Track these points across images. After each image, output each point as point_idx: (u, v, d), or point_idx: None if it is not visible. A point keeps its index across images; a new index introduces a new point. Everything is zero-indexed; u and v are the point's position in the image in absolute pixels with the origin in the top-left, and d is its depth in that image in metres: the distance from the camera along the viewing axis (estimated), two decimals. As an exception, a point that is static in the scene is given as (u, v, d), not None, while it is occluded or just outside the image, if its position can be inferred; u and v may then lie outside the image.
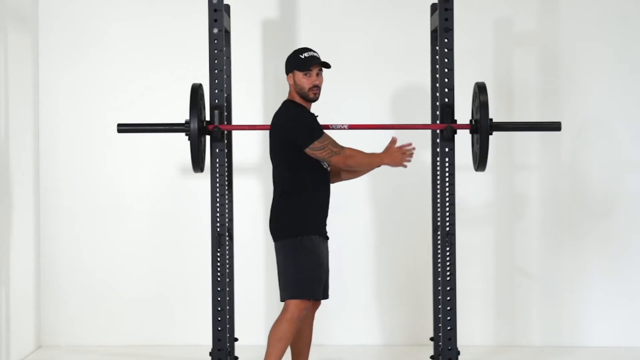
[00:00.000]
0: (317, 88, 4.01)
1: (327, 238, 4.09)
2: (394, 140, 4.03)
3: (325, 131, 4.01)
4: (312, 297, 3.94)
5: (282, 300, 3.99)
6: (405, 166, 4.03)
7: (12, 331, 4.91)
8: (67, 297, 5.38)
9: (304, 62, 3.98)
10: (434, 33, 4.50)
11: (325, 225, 4.06)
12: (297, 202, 3.94)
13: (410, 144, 4.02)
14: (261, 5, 5.35)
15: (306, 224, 3.94)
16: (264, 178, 5.37)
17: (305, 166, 3.94)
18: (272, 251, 5.37)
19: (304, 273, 3.91)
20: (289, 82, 4.02)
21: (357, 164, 3.95)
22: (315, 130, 3.90)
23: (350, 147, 3.95)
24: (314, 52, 4.04)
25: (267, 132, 5.28)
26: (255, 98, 5.36)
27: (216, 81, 4.17)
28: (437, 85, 4.33)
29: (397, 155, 4.00)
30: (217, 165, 4.18)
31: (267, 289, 5.37)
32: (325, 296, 4.10)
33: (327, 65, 4.03)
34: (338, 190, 5.33)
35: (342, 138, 5.26)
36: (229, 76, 4.44)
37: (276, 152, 4.00)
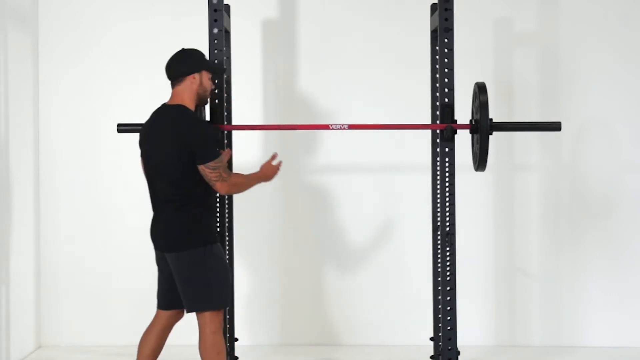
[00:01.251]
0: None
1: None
2: (274, 156, 4.01)
3: (326, 131, 4.01)
4: (226, 306, 3.86)
5: (189, 312, 3.84)
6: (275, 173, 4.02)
7: (12, 331, 4.91)
8: (67, 297, 5.38)
9: (219, 67, 3.94)
10: (434, 33, 4.50)
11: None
12: (200, 211, 3.79)
13: (275, 155, 4.03)
14: (261, 5, 5.35)
15: (211, 232, 3.82)
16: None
17: (201, 176, 3.77)
18: (272, 251, 5.40)
19: (216, 282, 3.78)
20: (192, 80, 3.82)
21: (238, 192, 3.87)
22: (215, 149, 3.75)
23: (237, 175, 3.83)
24: None
25: (268, 132, 5.33)
26: (255, 98, 5.36)
27: (216, 81, 4.17)
28: (437, 85, 4.33)
29: (271, 172, 3.99)
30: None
31: (267, 289, 5.37)
32: None
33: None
34: (338, 190, 5.36)
35: (342, 138, 5.30)
36: (229, 76, 4.44)
37: (173, 160, 3.73)
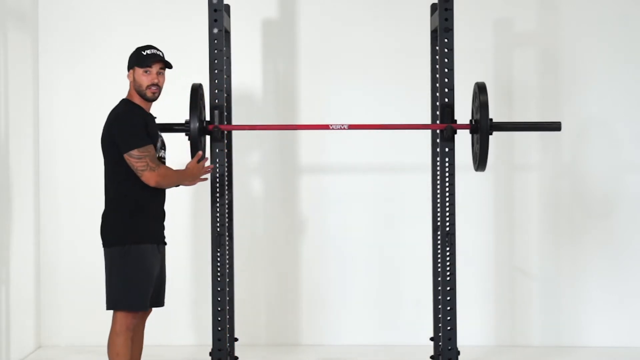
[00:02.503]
0: (156, 87, 3.86)
1: (164, 244, 3.94)
2: (199, 155, 3.96)
3: (326, 131, 3.99)
4: (137, 309, 3.81)
5: (107, 309, 3.88)
6: (204, 179, 3.97)
7: (12, 331, 4.91)
8: (67, 297, 5.38)
9: (144, 59, 3.86)
10: (434, 33, 4.50)
11: (161, 230, 3.91)
12: (124, 210, 3.77)
13: (206, 159, 3.98)
14: (261, 5, 5.35)
15: (134, 232, 3.76)
16: (264, 178, 5.37)
17: (132, 171, 3.73)
18: (272, 251, 5.41)
19: (128, 284, 3.76)
20: (129, 79, 3.87)
21: (168, 184, 3.79)
22: (139, 137, 3.70)
23: (166, 168, 3.77)
24: (158, 50, 3.93)
25: (268, 132, 5.33)
26: (255, 98, 5.36)
27: (216, 81, 4.17)
28: (437, 85, 4.33)
29: (196, 171, 3.91)
30: (217, 165, 4.18)
31: (267, 289, 5.37)
32: (160, 304, 3.96)
33: (169, 65, 3.92)
34: (338, 190, 5.36)
35: (342, 138, 5.30)
36: (229, 76, 4.44)
37: (105, 156, 3.80)
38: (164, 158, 3.95)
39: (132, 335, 3.88)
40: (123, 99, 3.92)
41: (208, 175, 4.04)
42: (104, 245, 3.81)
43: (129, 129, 3.73)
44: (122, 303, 3.79)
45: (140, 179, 3.73)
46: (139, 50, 3.92)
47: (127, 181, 3.75)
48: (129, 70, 3.90)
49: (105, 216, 3.83)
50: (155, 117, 3.96)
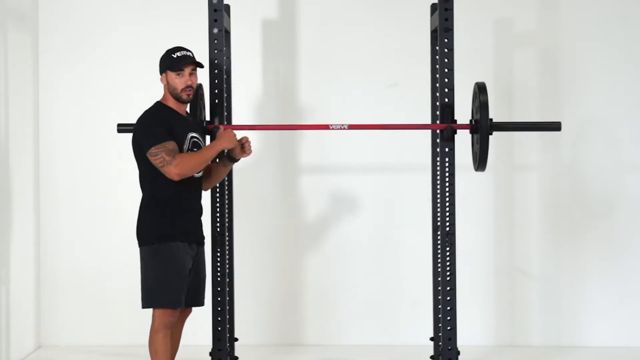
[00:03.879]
0: (190, 89, 3.87)
1: (200, 243, 3.94)
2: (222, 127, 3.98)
3: (326, 131, 3.98)
4: (172, 306, 3.82)
5: (142, 308, 3.91)
6: (245, 153, 3.94)
7: (12, 331, 4.91)
8: (67, 297, 5.38)
9: (176, 62, 3.87)
10: (434, 33, 4.50)
11: (195, 230, 3.92)
12: (155, 210, 3.80)
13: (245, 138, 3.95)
14: (261, 5, 5.35)
15: (164, 231, 3.79)
16: (264, 178, 5.37)
17: (158, 171, 3.76)
18: (272, 251, 5.41)
19: (161, 282, 3.80)
20: (162, 82, 3.90)
21: (190, 169, 3.74)
22: (156, 135, 3.72)
23: (182, 156, 3.73)
24: (188, 51, 3.92)
25: (268, 132, 5.33)
26: (255, 98, 5.36)
27: (216, 81, 4.17)
28: (437, 85, 4.33)
29: (229, 136, 3.86)
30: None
31: (267, 289, 5.37)
32: (198, 303, 3.99)
33: (201, 65, 3.92)
34: (338, 190, 5.35)
35: (342, 138, 5.30)
36: (229, 76, 4.44)
37: (134, 155, 3.86)
38: None
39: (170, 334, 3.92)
40: (156, 102, 3.94)
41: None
42: (138, 244, 3.88)
43: (145, 129, 3.78)
44: (157, 301, 3.83)
45: (167, 177, 3.75)
46: (169, 53, 3.92)
47: (155, 181, 3.79)
48: (161, 74, 3.90)
49: (138, 216, 3.88)
50: (191, 118, 3.98)
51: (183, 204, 3.85)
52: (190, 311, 4.05)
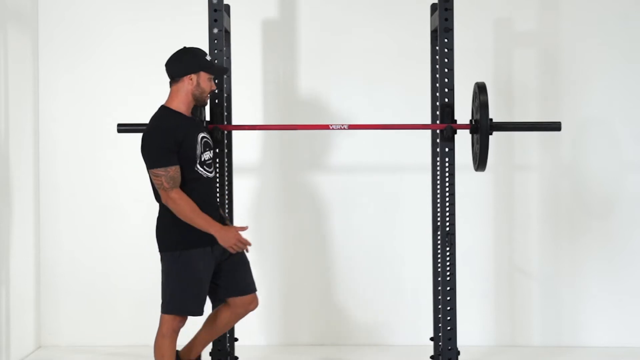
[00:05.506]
0: (210, 94, 3.89)
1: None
2: (244, 228, 3.86)
3: (326, 131, 3.98)
4: (184, 313, 3.83)
5: (161, 313, 3.89)
6: (234, 250, 3.80)
7: (12, 331, 4.91)
8: (67, 297, 5.38)
9: (215, 67, 3.84)
10: (434, 33, 4.50)
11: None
12: (170, 217, 3.77)
13: (247, 243, 3.83)
14: (261, 5, 5.35)
15: (182, 238, 3.77)
16: (264, 178, 5.37)
17: (182, 177, 3.75)
18: (272, 251, 5.41)
19: (177, 289, 3.79)
20: (186, 81, 3.78)
21: (178, 213, 3.71)
22: (161, 156, 3.68)
23: (182, 196, 3.70)
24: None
25: (268, 132, 5.33)
26: (255, 98, 5.36)
27: (216, 81, 4.17)
28: (437, 85, 4.33)
29: (231, 237, 3.76)
30: (217, 165, 4.18)
31: (267, 289, 5.37)
32: (251, 290, 4.01)
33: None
34: (338, 190, 5.36)
35: (342, 138, 5.30)
36: (229, 76, 4.44)
37: (145, 162, 3.82)
38: (209, 160, 3.87)
39: (222, 314, 3.97)
40: (162, 106, 3.85)
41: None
42: (158, 250, 3.86)
43: (150, 148, 3.72)
44: (170, 307, 3.82)
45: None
46: (202, 55, 3.84)
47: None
48: (188, 74, 3.79)
49: (157, 221, 3.85)
50: (197, 119, 3.92)
51: (200, 206, 3.78)
52: (250, 299, 4.02)
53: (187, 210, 3.71)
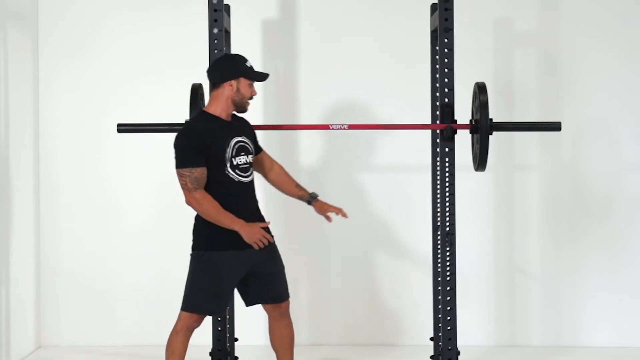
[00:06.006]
0: (251, 100, 3.90)
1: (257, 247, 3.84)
2: (266, 224, 3.88)
3: (326, 131, 3.98)
4: (199, 312, 3.83)
5: (181, 310, 3.90)
6: (257, 246, 3.78)
7: (12, 331, 4.91)
8: (67, 297, 5.38)
9: (257, 73, 3.86)
10: (434, 33, 4.50)
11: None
12: (201, 217, 3.81)
13: (270, 238, 3.85)
14: (261, 5, 5.35)
15: (211, 239, 3.79)
16: (263, 178, 5.37)
17: (210, 180, 3.78)
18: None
19: (196, 287, 3.82)
20: (227, 87, 3.81)
21: (202, 213, 3.75)
22: (188, 157, 3.72)
23: (206, 197, 3.73)
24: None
25: (268, 132, 5.33)
26: (255, 98, 5.33)
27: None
28: (437, 85, 4.33)
29: (256, 233, 3.77)
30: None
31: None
32: (282, 298, 4.03)
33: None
34: (338, 191, 5.35)
35: (342, 138, 5.29)
36: (229, 76, 4.44)
37: None
38: (244, 164, 3.88)
39: (275, 327, 4.00)
40: (200, 110, 3.89)
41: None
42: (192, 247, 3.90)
43: (178, 149, 3.76)
44: (188, 304, 3.84)
45: (212, 187, 3.77)
46: (242, 60, 3.85)
47: (206, 188, 3.77)
48: (229, 79, 3.80)
49: (194, 220, 3.88)
50: (236, 123, 3.90)
51: (228, 210, 3.78)
52: (284, 305, 4.03)
53: (211, 210, 3.74)
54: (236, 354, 4.48)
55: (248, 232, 3.76)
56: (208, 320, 4.18)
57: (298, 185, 4.18)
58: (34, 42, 5.31)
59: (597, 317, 5.31)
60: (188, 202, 3.77)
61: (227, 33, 4.44)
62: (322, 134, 5.33)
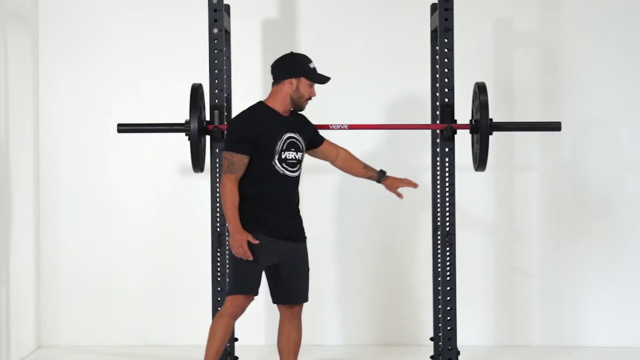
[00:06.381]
0: (310, 100, 3.96)
1: (290, 238, 3.92)
2: (255, 242, 3.85)
3: (326, 131, 3.98)
4: (243, 292, 3.85)
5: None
6: (235, 253, 3.84)
7: (12, 331, 4.91)
8: (67, 297, 5.38)
9: (319, 75, 3.93)
10: (434, 33, 4.50)
11: (282, 226, 3.90)
12: (243, 205, 3.86)
13: (249, 256, 3.84)
14: (261, 5, 5.35)
15: (248, 224, 3.84)
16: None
17: (252, 169, 3.85)
18: (272, 251, 5.40)
19: (234, 269, 3.88)
20: (286, 85, 3.89)
21: (221, 196, 3.86)
22: (233, 141, 3.83)
23: (232, 186, 3.82)
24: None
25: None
26: (255, 98, 5.32)
27: (216, 81, 4.18)
28: (437, 85, 4.33)
29: (237, 241, 3.80)
30: (217, 165, 4.19)
31: (267, 289, 5.36)
32: (300, 299, 4.00)
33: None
34: (338, 190, 5.35)
35: (342, 138, 5.29)
36: (229, 76, 4.44)
37: None
38: (293, 159, 3.93)
39: (284, 329, 4.00)
40: (259, 101, 3.98)
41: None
42: None
43: (229, 132, 3.89)
44: (232, 287, 3.89)
45: (249, 176, 3.86)
46: (305, 61, 3.93)
47: (243, 180, 3.85)
48: (289, 77, 3.87)
49: None
50: (291, 117, 3.94)
51: (269, 199, 3.87)
52: (298, 308, 4.01)
53: (227, 199, 3.82)
54: (236, 354, 4.48)
55: (237, 238, 3.81)
56: (208, 320, 4.18)
57: (366, 166, 4.26)
58: (34, 42, 5.31)
59: (597, 317, 5.31)
60: (219, 182, 3.91)
61: (227, 33, 4.44)
62: (322, 134, 5.32)
